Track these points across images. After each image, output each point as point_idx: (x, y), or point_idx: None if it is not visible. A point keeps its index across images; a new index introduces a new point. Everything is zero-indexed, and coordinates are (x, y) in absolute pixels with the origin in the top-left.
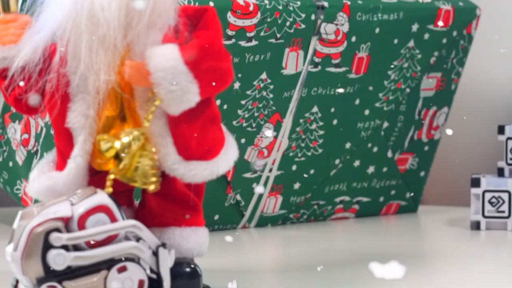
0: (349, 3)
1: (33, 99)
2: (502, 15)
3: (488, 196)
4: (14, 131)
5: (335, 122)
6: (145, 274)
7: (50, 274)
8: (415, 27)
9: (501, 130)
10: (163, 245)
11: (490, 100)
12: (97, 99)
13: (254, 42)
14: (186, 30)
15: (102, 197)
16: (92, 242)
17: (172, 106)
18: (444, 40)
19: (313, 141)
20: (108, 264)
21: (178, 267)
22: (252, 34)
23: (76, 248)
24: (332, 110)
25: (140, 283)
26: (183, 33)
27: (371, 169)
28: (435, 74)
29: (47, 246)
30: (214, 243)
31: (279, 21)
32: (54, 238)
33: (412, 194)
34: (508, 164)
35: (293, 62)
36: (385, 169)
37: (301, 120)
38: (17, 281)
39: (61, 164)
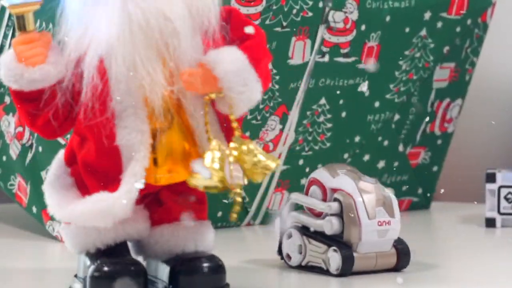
0: None
1: None
2: None
3: (504, 192)
4: (8, 124)
5: (343, 114)
6: None
7: None
8: (427, 15)
9: None
10: None
11: (506, 92)
12: (155, 112)
13: None
14: (223, 30)
15: None
16: None
17: (240, 108)
18: (458, 29)
19: (320, 134)
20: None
21: (202, 261)
22: (257, 22)
23: None
24: (341, 102)
25: None
26: (220, 34)
27: (381, 164)
28: (449, 64)
29: None
30: (217, 241)
31: (285, 9)
32: None
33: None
34: None
35: (300, 52)
36: (396, 164)
37: (308, 113)
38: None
39: (95, 185)
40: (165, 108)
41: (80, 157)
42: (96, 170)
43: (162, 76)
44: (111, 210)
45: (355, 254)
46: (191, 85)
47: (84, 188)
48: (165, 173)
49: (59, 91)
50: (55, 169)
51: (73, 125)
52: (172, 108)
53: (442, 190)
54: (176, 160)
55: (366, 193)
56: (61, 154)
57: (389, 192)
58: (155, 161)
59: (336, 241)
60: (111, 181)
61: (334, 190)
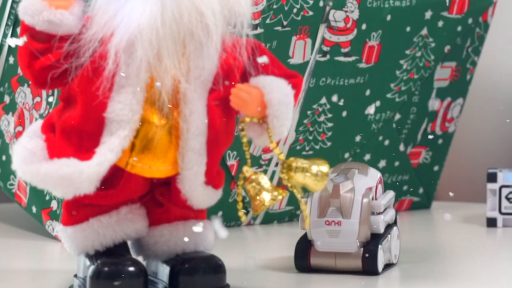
0: None
1: None
2: None
3: (505, 191)
4: (8, 123)
5: (344, 114)
6: None
7: (374, 237)
8: (428, 14)
9: None
10: None
11: (507, 91)
12: (158, 100)
13: (259, 30)
14: (247, 57)
15: (377, 172)
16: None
17: (274, 139)
18: (459, 28)
19: (321, 133)
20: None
21: (202, 261)
22: (257, 21)
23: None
24: (341, 101)
25: None
26: (240, 59)
27: (382, 163)
28: (450, 64)
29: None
30: (217, 241)
31: (286, 8)
32: (377, 205)
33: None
34: None
35: (301, 51)
36: (397, 164)
37: (308, 112)
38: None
39: (67, 150)
40: (164, 101)
41: (61, 121)
42: (74, 135)
43: (178, 70)
44: (76, 178)
45: (312, 251)
46: (240, 101)
47: (54, 154)
48: (137, 162)
49: (68, 45)
50: (30, 131)
51: (63, 84)
52: (170, 104)
53: (452, 194)
54: (154, 156)
55: (325, 191)
56: (38, 122)
57: (357, 193)
58: (133, 146)
59: (305, 237)
60: (85, 150)
61: None
